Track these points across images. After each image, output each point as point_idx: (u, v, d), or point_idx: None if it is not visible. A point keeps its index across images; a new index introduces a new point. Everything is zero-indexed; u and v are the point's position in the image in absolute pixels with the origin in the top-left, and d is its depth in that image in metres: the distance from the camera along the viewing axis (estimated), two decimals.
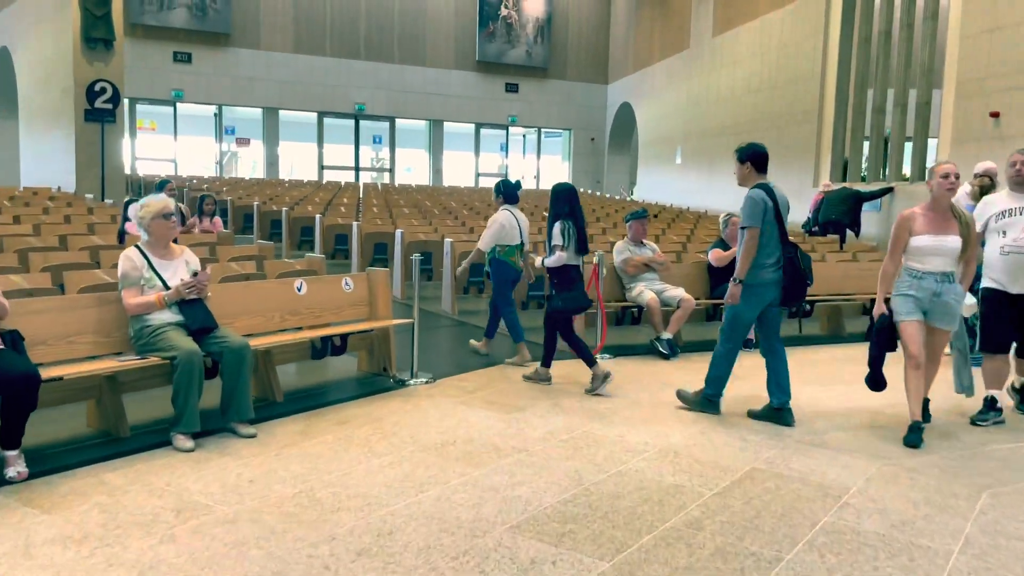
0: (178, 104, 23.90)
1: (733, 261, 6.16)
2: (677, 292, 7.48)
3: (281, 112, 25.07)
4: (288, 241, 12.50)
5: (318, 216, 11.71)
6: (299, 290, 5.75)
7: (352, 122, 26.18)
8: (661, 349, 7.23)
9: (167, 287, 4.55)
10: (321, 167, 25.84)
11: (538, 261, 6.32)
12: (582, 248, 5.90)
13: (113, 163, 16.00)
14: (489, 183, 27.29)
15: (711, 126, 20.43)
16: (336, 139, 26.43)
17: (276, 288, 5.64)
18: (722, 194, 19.36)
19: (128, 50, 22.74)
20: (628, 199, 23.71)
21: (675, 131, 22.60)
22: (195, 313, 4.57)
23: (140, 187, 19.10)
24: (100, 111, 15.36)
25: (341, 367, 6.41)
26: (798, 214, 11.92)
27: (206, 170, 24.09)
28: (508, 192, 6.90)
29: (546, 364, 6.03)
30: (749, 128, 18.17)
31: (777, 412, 5.03)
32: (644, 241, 7.87)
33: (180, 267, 4.70)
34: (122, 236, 8.43)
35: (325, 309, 5.88)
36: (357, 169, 26.61)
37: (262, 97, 24.49)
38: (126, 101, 23.78)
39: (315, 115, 25.50)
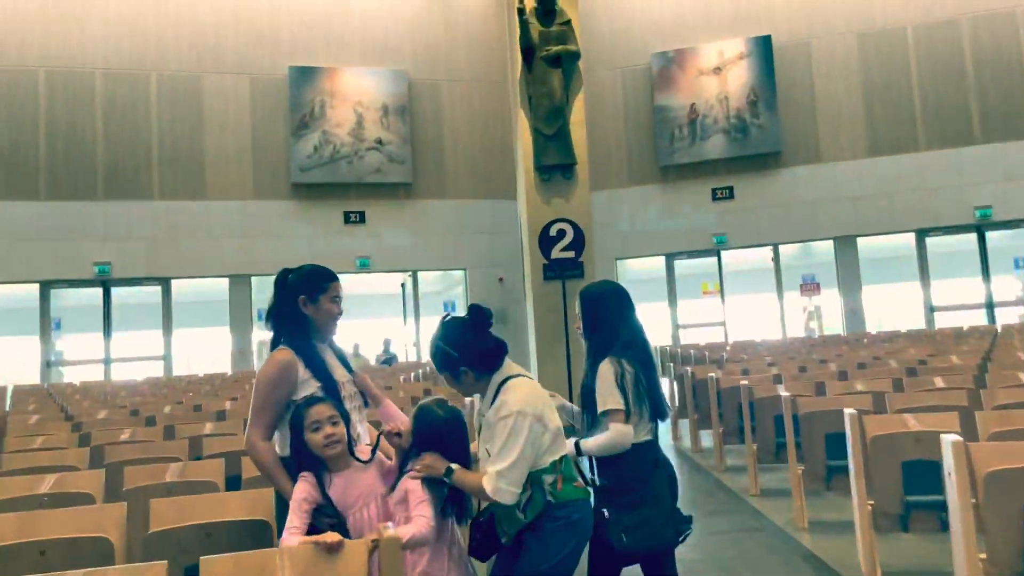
0: (721, 252, 18.57)
1: None
2: None
3: (859, 241, 17.73)
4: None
5: (847, 413, 4.01)
6: None
7: (973, 236, 17.26)
8: None
9: None
10: (931, 309, 17.32)
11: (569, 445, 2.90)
12: (659, 412, 2.97)
13: None
14: None
15: None
16: (944, 271, 17.73)
17: None
18: None
19: (658, 197, 18.62)
20: None
21: None
22: None
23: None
24: (560, 263, 10.56)
25: None
26: None
27: (759, 334, 17.80)
28: (481, 346, 2.90)
29: None
30: None
31: None
32: None
33: None
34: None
35: None
36: (990, 306, 17.20)
37: (829, 224, 17.63)
38: (663, 259, 19.55)
39: (912, 236, 17.41)
